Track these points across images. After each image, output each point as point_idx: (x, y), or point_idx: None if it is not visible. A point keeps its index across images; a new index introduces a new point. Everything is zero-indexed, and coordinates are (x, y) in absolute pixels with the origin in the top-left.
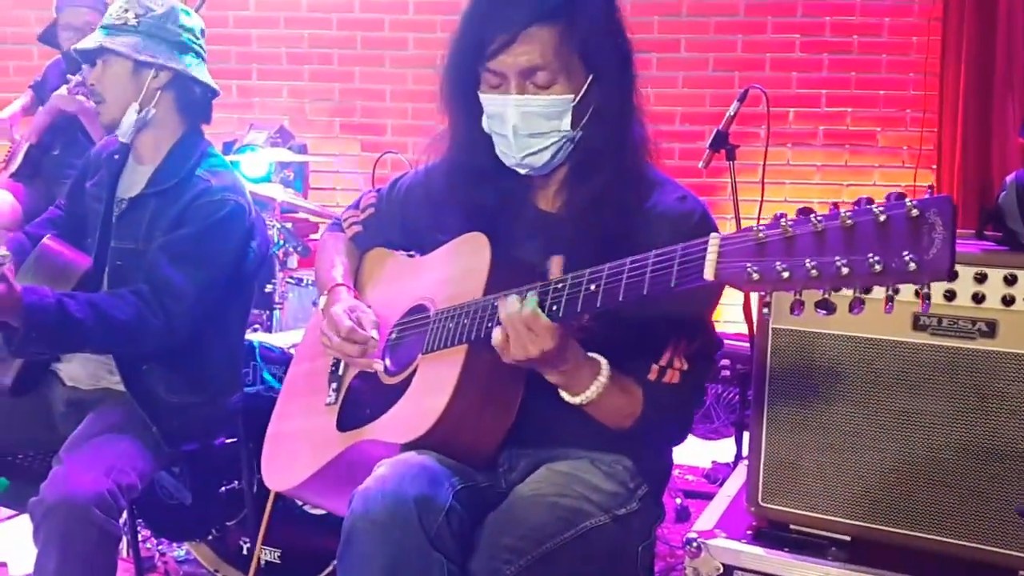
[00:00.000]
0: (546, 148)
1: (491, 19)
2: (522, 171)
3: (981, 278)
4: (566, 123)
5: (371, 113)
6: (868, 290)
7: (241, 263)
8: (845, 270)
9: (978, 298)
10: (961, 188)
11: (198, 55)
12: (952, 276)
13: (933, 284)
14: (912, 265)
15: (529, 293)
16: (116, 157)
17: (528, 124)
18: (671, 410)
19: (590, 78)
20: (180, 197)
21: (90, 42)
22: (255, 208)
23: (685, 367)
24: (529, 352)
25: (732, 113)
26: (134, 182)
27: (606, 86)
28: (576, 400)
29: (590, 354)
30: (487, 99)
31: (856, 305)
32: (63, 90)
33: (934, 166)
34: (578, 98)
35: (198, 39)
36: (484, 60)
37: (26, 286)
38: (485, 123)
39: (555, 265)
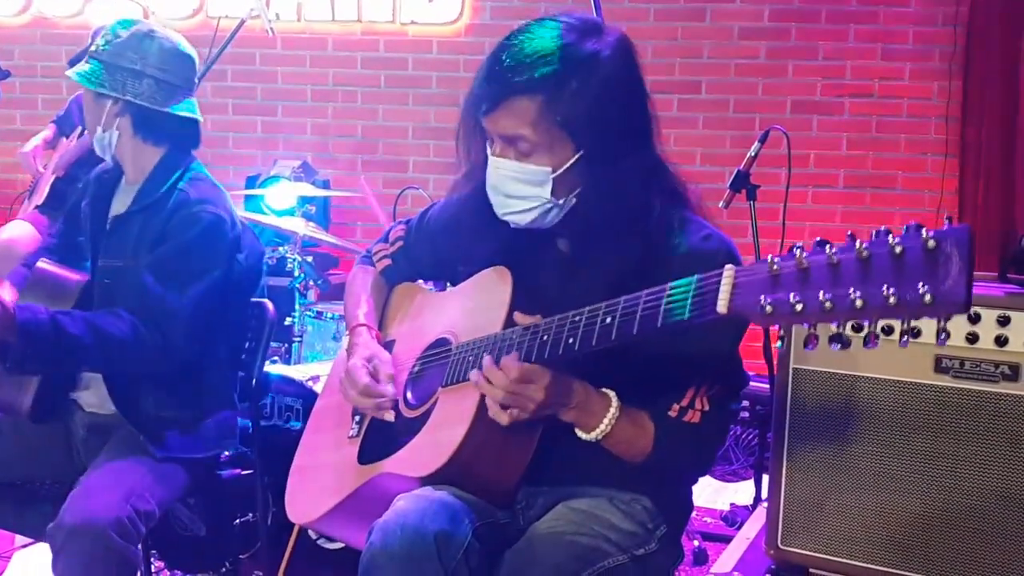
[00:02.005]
0: (526, 210)
1: (486, 81)
2: (511, 224)
3: (1004, 321)
4: (546, 192)
5: (393, 150)
6: (889, 329)
7: (228, 275)
8: (859, 303)
9: (1001, 341)
10: (983, 231)
11: (160, 82)
12: (968, 309)
13: (956, 327)
14: (927, 297)
15: (502, 354)
16: (105, 177)
17: (503, 185)
18: (688, 450)
19: (579, 153)
20: (161, 212)
21: (70, 70)
22: (239, 220)
23: (707, 408)
24: (536, 399)
25: (754, 154)
26: (123, 202)
27: (599, 162)
28: (590, 436)
29: (601, 389)
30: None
31: (871, 339)
32: None
33: (956, 210)
34: (559, 171)
35: (163, 67)
36: (481, 118)
37: (20, 304)
38: None
39: (521, 320)
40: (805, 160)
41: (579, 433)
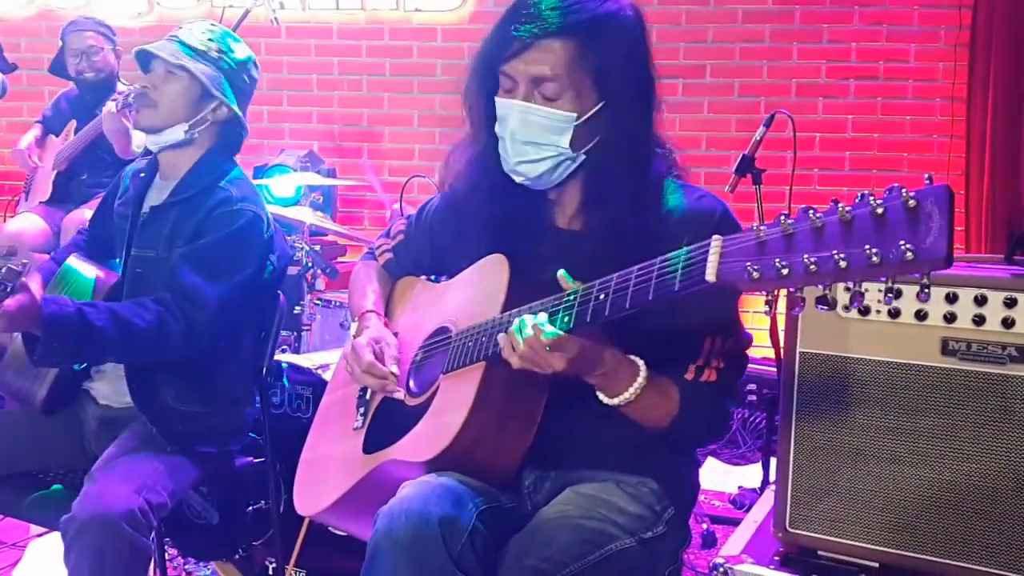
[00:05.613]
0: (541, 160)
1: (515, 25)
2: (517, 179)
3: (1011, 303)
4: (565, 140)
5: (399, 138)
6: (896, 312)
7: (260, 274)
8: (843, 263)
9: (1008, 323)
10: (989, 213)
11: (248, 103)
12: (949, 264)
13: (963, 310)
14: (909, 254)
15: (540, 312)
16: (143, 175)
17: (526, 131)
18: (709, 408)
19: (601, 103)
20: (201, 206)
21: (169, 54)
22: (274, 223)
23: (722, 365)
24: (555, 366)
25: (759, 138)
26: (157, 196)
27: (619, 115)
28: (614, 401)
29: (629, 356)
30: (499, 102)
31: (856, 299)
32: (111, 106)
33: (962, 191)
34: (583, 119)
35: (253, 92)
36: (502, 63)
37: (47, 296)
38: (497, 128)
39: (561, 279)
40: (810, 143)
41: (601, 397)
